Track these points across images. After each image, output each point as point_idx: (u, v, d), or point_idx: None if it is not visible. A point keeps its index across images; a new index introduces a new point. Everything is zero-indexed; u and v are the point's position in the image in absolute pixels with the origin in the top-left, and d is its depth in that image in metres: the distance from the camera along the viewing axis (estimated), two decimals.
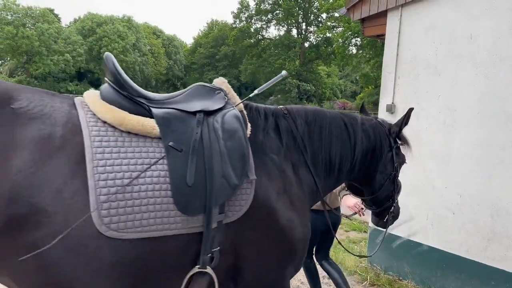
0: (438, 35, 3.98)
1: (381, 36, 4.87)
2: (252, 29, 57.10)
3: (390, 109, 4.37)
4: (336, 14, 49.04)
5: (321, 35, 49.30)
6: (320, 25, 53.88)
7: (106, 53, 1.78)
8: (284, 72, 2.25)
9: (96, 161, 1.48)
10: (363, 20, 4.76)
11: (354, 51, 45.50)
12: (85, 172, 1.45)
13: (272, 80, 2.25)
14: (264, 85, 2.25)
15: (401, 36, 4.29)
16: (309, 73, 53.02)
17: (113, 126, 1.59)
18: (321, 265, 3.53)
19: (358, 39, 42.78)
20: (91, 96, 1.69)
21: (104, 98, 1.68)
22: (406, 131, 4.07)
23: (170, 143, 1.61)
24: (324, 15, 54.01)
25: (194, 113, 1.74)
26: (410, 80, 4.24)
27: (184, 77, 76.07)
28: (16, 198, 1.35)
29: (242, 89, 77.79)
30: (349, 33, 41.12)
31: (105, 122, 1.59)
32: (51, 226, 1.37)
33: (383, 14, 4.48)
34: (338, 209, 3.36)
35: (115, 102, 1.66)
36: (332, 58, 51.42)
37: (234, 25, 58.61)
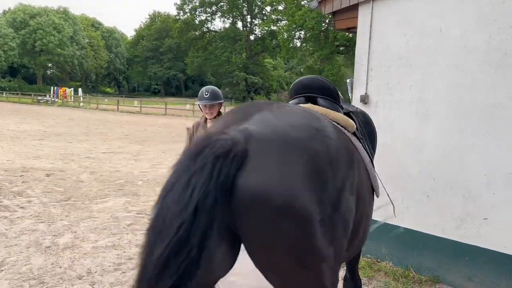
0: (409, 28, 4.18)
1: (352, 29, 5.03)
2: (196, 21, 56.40)
3: (364, 99, 4.54)
4: (280, 7, 49.74)
5: (266, 28, 49.69)
6: (265, 18, 54.30)
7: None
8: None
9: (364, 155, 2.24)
10: (334, 14, 4.88)
11: (298, 44, 46.39)
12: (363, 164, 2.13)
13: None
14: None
15: (373, 29, 4.46)
16: (256, 66, 53.45)
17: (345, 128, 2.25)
18: None
19: (302, 32, 43.74)
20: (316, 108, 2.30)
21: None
22: (380, 121, 4.27)
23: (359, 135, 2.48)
24: (268, 8, 54.46)
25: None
26: (382, 72, 4.42)
27: (127, 71, 73.68)
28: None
29: (188, 83, 76.78)
30: (293, 26, 41.80)
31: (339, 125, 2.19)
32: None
33: (354, 7, 4.62)
34: None
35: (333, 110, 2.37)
36: (277, 51, 52.12)
37: (177, 17, 57.49)
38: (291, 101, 2.55)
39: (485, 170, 3.72)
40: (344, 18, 4.84)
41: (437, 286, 4.03)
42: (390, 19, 4.33)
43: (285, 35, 43.98)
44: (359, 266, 4.47)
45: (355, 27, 4.72)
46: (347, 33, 40.39)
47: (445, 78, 3.96)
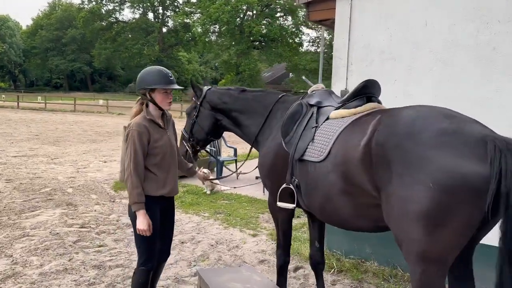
0: (392, 21, 4.07)
1: (326, 21, 4.81)
2: (103, 11, 52.84)
3: (344, 94, 4.35)
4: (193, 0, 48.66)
5: (179, 21, 48.23)
6: (177, 10, 52.74)
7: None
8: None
9: None
10: (308, 4, 4.62)
11: (214, 38, 45.90)
12: None
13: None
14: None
15: (353, 22, 4.28)
16: (170, 59, 51.79)
17: None
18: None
19: (217, 26, 43.34)
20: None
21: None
22: None
23: None
24: (180, 0, 52.99)
25: None
26: (363, 66, 4.27)
27: (24, 63, 66.65)
28: None
29: (95, 76, 71.77)
30: (208, 20, 41.19)
31: None
32: None
33: None
34: None
35: None
36: (192, 44, 51.01)
37: (82, 6, 53.29)
38: (354, 102, 2.97)
39: None
40: (319, 9, 4.60)
41: None
42: (371, 11, 4.18)
43: (200, 29, 43.21)
44: (345, 268, 4.33)
45: (330, 19, 4.51)
46: (262, 29, 40.96)
47: (432, 73, 3.91)
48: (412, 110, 2.46)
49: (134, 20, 53.91)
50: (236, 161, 8.77)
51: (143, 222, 2.77)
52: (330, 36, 38.40)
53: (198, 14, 45.29)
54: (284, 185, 3.07)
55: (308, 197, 2.93)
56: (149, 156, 2.89)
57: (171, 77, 2.94)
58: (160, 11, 55.01)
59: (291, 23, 42.58)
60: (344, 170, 2.56)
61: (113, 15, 54.10)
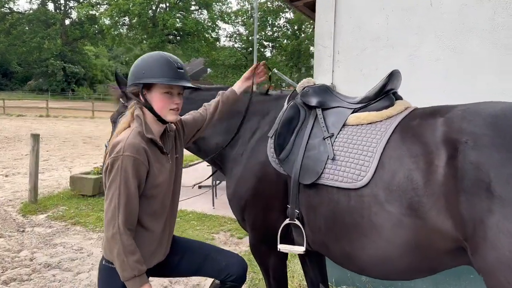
0: (388, 1, 3.36)
1: (306, 0, 3.97)
2: None
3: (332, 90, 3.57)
4: None
5: (84, 12, 44.52)
6: (82, 0, 48.73)
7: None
8: None
9: None
10: None
11: (124, 31, 43.21)
12: None
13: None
14: None
15: (339, 2, 3.50)
16: (75, 54, 47.69)
17: None
18: None
19: (127, 18, 40.77)
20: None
21: None
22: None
23: None
24: None
25: None
26: (354, 55, 3.52)
27: None
28: None
29: None
30: (117, 11, 38.60)
31: None
32: None
33: None
34: None
35: None
36: (99, 38, 47.42)
37: None
38: (381, 101, 2.26)
39: None
40: None
41: None
42: None
43: (107, 21, 40.29)
44: None
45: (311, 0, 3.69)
46: (177, 23, 39.43)
47: (439, 63, 3.28)
48: (494, 107, 1.76)
49: (31, 11, 48.55)
50: None
51: None
52: (248, 31, 38.30)
53: (106, 5, 42.20)
54: (286, 221, 2.18)
55: (327, 237, 2.08)
56: (143, 201, 1.83)
57: (180, 68, 1.88)
58: (62, 1, 50.27)
59: (207, 17, 41.50)
60: (411, 201, 1.76)
61: (6, 5, 48.16)
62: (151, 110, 1.86)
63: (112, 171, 1.72)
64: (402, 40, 3.36)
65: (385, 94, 2.23)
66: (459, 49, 3.21)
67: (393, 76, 2.26)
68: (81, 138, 16.56)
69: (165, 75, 1.81)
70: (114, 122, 2.64)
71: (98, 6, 44.07)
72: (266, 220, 2.30)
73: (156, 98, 1.84)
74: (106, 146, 2.72)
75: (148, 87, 1.84)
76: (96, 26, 45.47)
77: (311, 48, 33.48)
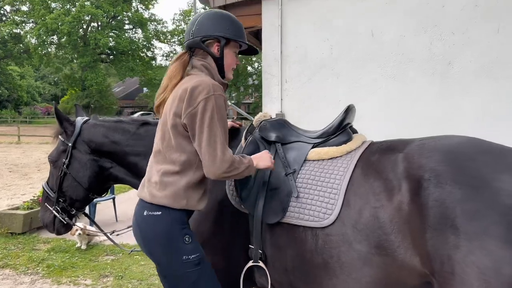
0: (332, 31, 3.46)
1: (251, 29, 3.95)
2: None
3: (282, 118, 3.57)
4: (24, 8, 42.97)
5: (8, 31, 42.02)
6: (4, 18, 45.96)
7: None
8: None
9: None
10: (225, 7, 3.69)
11: (52, 50, 41.31)
12: None
13: None
14: None
15: (284, 31, 3.55)
16: None
17: None
18: None
19: (55, 37, 39.02)
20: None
21: None
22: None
23: None
24: (8, 8, 46.46)
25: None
26: (301, 84, 3.56)
27: None
28: None
29: None
30: (45, 30, 36.94)
31: None
32: None
33: (255, 2, 3.58)
34: None
35: None
36: (25, 57, 44.74)
37: None
38: (339, 136, 2.21)
39: None
40: (241, 14, 3.72)
41: None
42: (306, 19, 3.51)
43: (34, 40, 38.30)
44: None
45: (255, 27, 3.69)
46: (110, 42, 38.44)
47: (381, 90, 3.40)
48: (450, 142, 1.81)
49: None
50: (114, 200, 7.19)
51: (265, 157, 1.92)
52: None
53: (32, 24, 40.08)
54: (250, 263, 2.09)
55: (294, 277, 2.01)
56: None
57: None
58: None
59: (142, 36, 40.86)
60: (379, 240, 1.75)
61: None
62: (221, 64, 1.92)
63: (207, 112, 1.74)
64: (346, 70, 3.46)
65: (343, 128, 2.24)
66: (399, 78, 3.36)
67: (349, 110, 2.27)
68: (6, 166, 15.26)
69: (243, 37, 1.95)
70: (54, 161, 2.45)
71: (24, 24, 41.73)
72: (227, 261, 2.20)
73: (229, 56, 1.93)
74: (44, 188, 2.49)
75: (226, 41, 1.90)
76: (21, 45, 42.87)
77: (249, 67, 34.10)
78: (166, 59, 41.05)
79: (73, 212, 2.51)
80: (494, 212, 1.53)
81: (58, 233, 2.50)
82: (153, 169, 1.88)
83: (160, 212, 1.84)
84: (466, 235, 1.54)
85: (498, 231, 1.50)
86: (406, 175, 1.75)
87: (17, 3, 41.92)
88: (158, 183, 1.82)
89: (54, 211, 2.46)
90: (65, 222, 2.47)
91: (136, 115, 26.67)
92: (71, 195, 2.49)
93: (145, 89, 42.81)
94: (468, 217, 1.55)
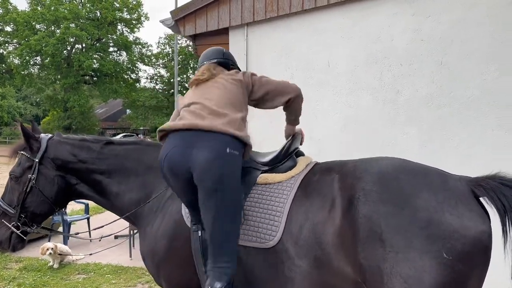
0: (293, 60, 3.75)
1: None
2: None
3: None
4: (8, 28, 42.83)
5: None
6: None
7: None
8: None
9: None
10: (195, 37, 3.96)
11: (36, 71, 41.07)
12: None
13: None
14: None
15: (250, 60, 3.82)
16: None
17: None
18: None
19: (38, 58, 38.92)
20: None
21: None
22: None
23: None
24: None
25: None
26: (264, 110, 3.79)
27: None
28: None
29: None
30: (28, 51, 36.81)
31: None
32: None
33: (223, 32, 3.86)
34: None
35: None
36: (7, 77, 44.34)
37: None
38: (286, 163, 2.42)
39: None
40: (209, 43, 3.98)
41: None
42: (269, 48, 3.79)
43: (17, 61, 38.12)
44: None
45: None
46: (94, 63, 38.49)
47: (337, 116, 3.67)
48: (380, 164, 2.03)
49: None
50: (88, 220, 7.23)
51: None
52: (170, 73, 38.33)
53: (15, 44, 39.96)
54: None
55: None
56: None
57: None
58: None
59: (126, 58, 41.00)
60: (316, 253, 1.94)
61: None
62: None
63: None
64: (306, 96, 3.71)
65: (289, 155, 2.42)
66: (353, 104, 3.64)
67: (294, 138, 2.51)
68: None
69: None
70: (17, 177, 2.48)
71: (7, 44, 41.58)
72: (181, 278, 2.32)
73: None
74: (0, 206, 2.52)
75: None
76: (3, 65, 42.56)
77: None
78: (151, 82, 41.16)
79: (33, 227, 2.56)
80: (414, 226, 1.74)
81: (14, 250, 2.51)
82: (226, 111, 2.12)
83: (238, 153, 2.04)
84: (391, 247, 1.73)
85: (419, 244, 1.70)
86: (340, 194, 1.97)
87: (1, 24, 41.84)
88: (237, 124, 2.08)
89: (12, 227, 2.47)
90: (25, 238, 2.51)
91: (118, 136, 26.53)
92: (34, 210, 2.53)
93: (128, 111, 42.67)
94: (393, 232, 1.75)
